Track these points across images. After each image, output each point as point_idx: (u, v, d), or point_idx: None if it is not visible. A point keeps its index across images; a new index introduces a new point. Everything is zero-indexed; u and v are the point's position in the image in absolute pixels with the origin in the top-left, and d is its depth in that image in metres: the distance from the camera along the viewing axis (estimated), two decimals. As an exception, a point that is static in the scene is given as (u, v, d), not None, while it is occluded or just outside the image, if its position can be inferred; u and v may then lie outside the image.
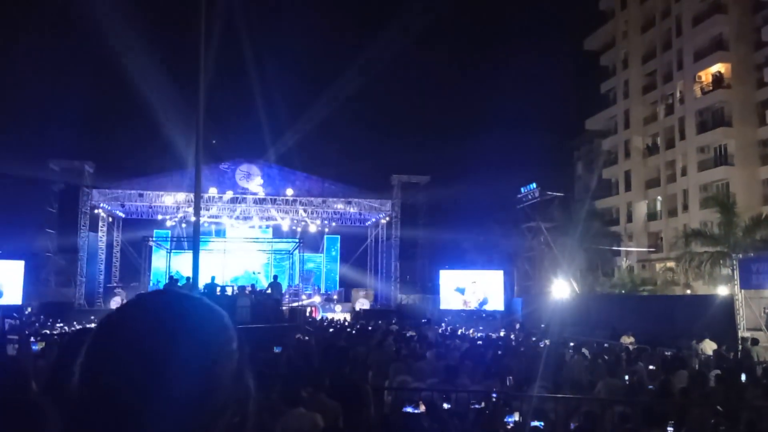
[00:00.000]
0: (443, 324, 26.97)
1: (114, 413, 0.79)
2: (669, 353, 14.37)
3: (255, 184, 36.67)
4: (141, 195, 35.32)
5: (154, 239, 34.04)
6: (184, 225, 36.89)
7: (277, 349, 10.83)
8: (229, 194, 35.75)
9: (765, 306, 24.99)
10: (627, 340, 17.83)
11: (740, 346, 16.26)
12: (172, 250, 33.06)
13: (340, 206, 37.47)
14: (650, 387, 9.79)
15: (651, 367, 11.97)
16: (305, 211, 37.68)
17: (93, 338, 0.86)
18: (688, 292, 30.88)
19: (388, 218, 38.60)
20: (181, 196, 34.83)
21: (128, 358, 0.81)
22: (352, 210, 38.19)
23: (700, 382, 9.34)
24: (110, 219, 37.82)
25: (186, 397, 0.81)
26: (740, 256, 21.26)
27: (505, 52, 74.20)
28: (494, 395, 8.02)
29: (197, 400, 0.82)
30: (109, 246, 38.08)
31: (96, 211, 36.03)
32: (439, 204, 42.27)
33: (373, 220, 40.15)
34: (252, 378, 0.97)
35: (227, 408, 0.87)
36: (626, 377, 9.91)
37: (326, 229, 40.14)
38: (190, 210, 32.56)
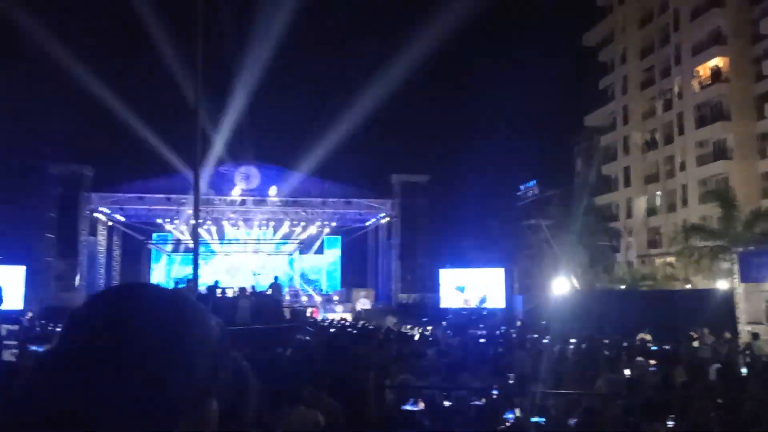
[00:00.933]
0: (443, 323, 27.00)
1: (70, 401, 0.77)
2: (669, 347, 14.41)
3: (254, 185, 36.70)
4: (140, 198, 35.36)
5: (153, 242, 34.06)
6: (183, 228, 36.93)
7: (279, 350, 10.86)
8: (230, 196, 35.79)
9: (766, 299, 25.03)
10: (641, 336, 17.59)
11: (740, 340, 16.31)
12: (172, 253, 33.10)
13: (340, 207, 37.51)
14: (651, 381, 9.83)
15: (652, 361, 12.00)
16: (305, 211, 37.72)
17: (60, 334, 0.85)
18: (688, 286, 30.90)
19: (388, 218, 38.65)
20: (180, 199, 34.86)
21: (89, 352, 0.80)
22: (352, 210, 38.23)
23: (700, 376, 9.36)
24: (110, 223, 37.86)
25: (149, 384, 0.79)
26: (740, 249, 21.29)
27: (504, 49, 74.27)
28: (495, 392, 8.05)
29: (163, 388, 0.80)
30: (109, 250, 38.11)
31: (95, 215, 36.06)
32: (439, 203, 42.29)
33: (373, 220, 40.19)
34: (248, 369, 0.95)
35: (204, 397, 0.85)
36: (627, 372, 9.93)
37: (326, 230, 40.16)
38: (190, 212, 32.59)
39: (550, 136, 56.40)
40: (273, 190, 35.78)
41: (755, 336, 15.33)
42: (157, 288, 0.91)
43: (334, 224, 39.52)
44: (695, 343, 15.53)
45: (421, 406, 5.27)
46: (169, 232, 37.28)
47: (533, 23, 71.73)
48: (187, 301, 0.90)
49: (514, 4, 70.41)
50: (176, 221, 37.16)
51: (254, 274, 34.84)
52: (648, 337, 17.50)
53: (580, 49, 53.46)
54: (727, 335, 15.58)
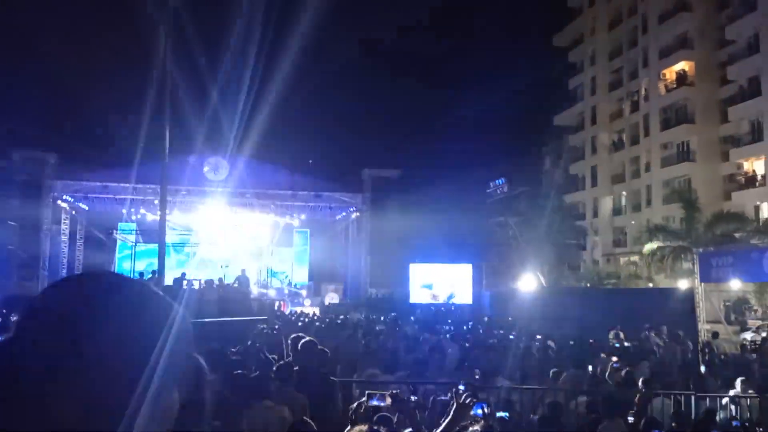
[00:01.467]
0: (412, 318, 27.09)
1: (30, 392, 0.76)
2: (631, 345, 14.68)
3: (222, 176, 36.30)
4: (106, 187, 34.69)
5: (118, 232, 33.49)
6: (149, 218, 36.36)
7: (246, 344, 10.78)
8: (197, 187, 35.34)
9: (724, 299, 25.67)
10: (619, 334, 17.38)
11: (700, 339, 16.70)
12: (138, 244, 32.61)
13: (309, 200, 37.32)
14: (614, 378, 10.00)
15: (614, 358, 12.21)
16: (274, 204, 37.45)
17: (16, 323, 0.83)
18: (651, 285, 31.52)
19: (358, 213, 38.61)
20: (147, 189, 34.29)
21: (44, 339, 0.78)
22: (322, 204, 38.07)
23: (661, 373, 9.56)
24: (74, 212, 37.09)
25: (105, 371, 0.78)
26: (701, 250, 21.79)
27: (475, 47, 74.70)
28: (461, 387, 8.10)
29: (120, 377, 0.79)
30: (73, 239, 37.34)
31: (59, 203, 35.30)
32: (410, 198, 42.30)
33: (344, 214, 40.10)
34: (202, 358, 0.95)
35: (166, 389, 0.84)
36: (590, 368, 10.09)
37: (295, 223, 39.92)
38: (156, 203, 32.09)
39: (520, 134, 56.91)
40: (258, 184, 35.54)
41: (715, 335, 15.71)
42: (119, 276, 0.89)
43: (303, 217, 39.30)
44: (657, 341, 15.85)
45: (388, 401, 5.28)
46: (135, 222, 36.68)
47: (505, 23, 72.30)
48: (150, 291, 0.89)
49: (487, 4, 70.88)
50: (142, 211, 36.55)
51: (221, 267, 34.54)
52: (621, 334, 17.70)
53: (550, 50, 54.06)
54: (680, 333, 15.93)
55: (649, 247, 26.60)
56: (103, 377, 0.77)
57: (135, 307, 0.84)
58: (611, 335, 17.41)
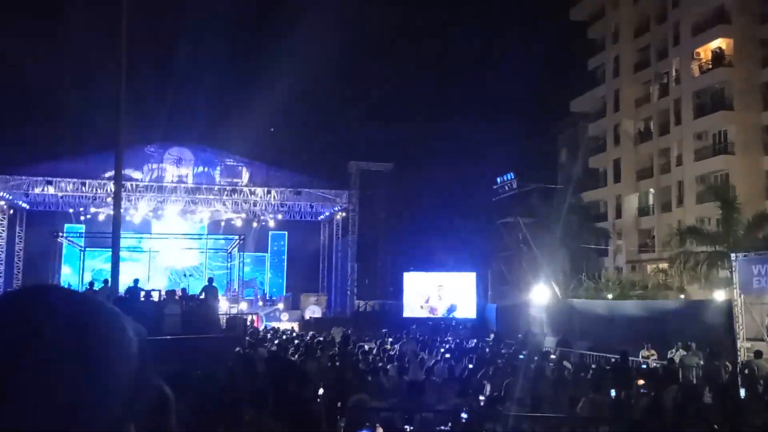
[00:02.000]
0: (406, 334, 27.13)
1: None
2: (659, 365, 14.75)
3: (186, 170, 36.22)
4: (50, 182, 34.55)
5: (64, 235, 33.34)
6: (102, 218, 36.24)
7: (214, 365, 10.78)
8: (157, 182, 35.24)
9: (767, 313, 25.81)
10: (646, 353, 17.68)
11: (740, 358, 16.79)
12: (88, 249, 32.51)
13: (287, 197, 37.29)
14: (640, 403, 10.05)
15: (640, 381, 12.28)
16: (246, 202, 37.41)
17: None
18: (682, 297, 31.68)
19: (344, 212, 38.61)
20: (98, 184, 34.18)
21: None
22: (301, 202, 38.05)
23: (694, 398, 9.61)
24: (11, 211, 36.89)
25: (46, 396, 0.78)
26: (740, 256, 21.92)
27: (481, 22, 74.83)
28: (464, 415, 8.13)
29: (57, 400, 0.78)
30: (11, 242, 37.15)
31: (-6, 201, 35.14)
32: (404, 196, 42.46)
33: (327, 213, 40.10)
34: (167, 390, 0.94)
35: (121, 421, 0.83)
36: (612, 393, 10.14)
37: (271, 224, 39.90)
38: (109, 200, 31.98)
39: (532, 122, 57.05)
40: (228, 179, 35.45)
41: (757, 354, 15.80)
42: (65, 291, 0.89)
43: (280, 217, 39.30)
44: (683, 357, 15.92)
45: (379, 431, 5.28)
46: (84, 223, 36.55)
47: (515, -7, 72.47)
48: (101, 307, 0.88)
49: (494, -30, 71.07)
50: (93, 210, 36.42)
51: (185, 276, 34.44)
52: (651, 353, 17.61)
53: (567, 25, 54.18)
54: (716, 352, 16.01)
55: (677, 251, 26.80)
56: (48, 408, 0.77)
57: (86, 327, 0.84)
58: (642, 354, 17.37)
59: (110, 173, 27.67)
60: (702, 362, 15.67)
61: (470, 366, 14.34)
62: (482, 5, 72.79)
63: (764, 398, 10.75)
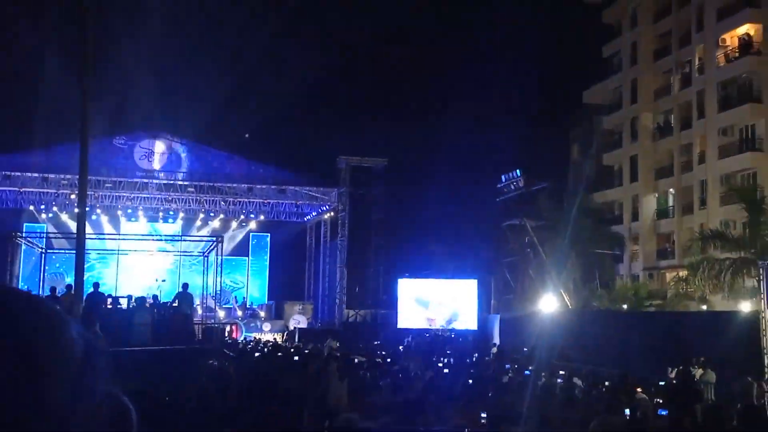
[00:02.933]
0: (400, 348, 27.17)
1: None
2: (679, 383, 14.77)
3: (159, 165, 36.14)
4: (7, 177, 34.44)
5: (23, 235, 33.20)
6: (64, 217, 36.11)
7: (188, 380, 10.75)
8: (126, 178, 35.14)
9: (797, 326, 25.90)
10: (699, 372, 17.06)
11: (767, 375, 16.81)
12: (48, 251, 32.37)
13: (270, 195, 37.24)
14: (658, 425, 10.06)
15: (658, 400, 12.29)
16: (225, 201, 37.33)
17: None
18: (704, 307, 31.76)
19: (332, 212, 38.58)
20: (61, 180, 34.07)
21: None
22: (286, 200, 38.00)
23: (717, 420, 9.60)
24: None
25: None
26: (769, 263, 22.00)
27: (486, 5, 74.81)
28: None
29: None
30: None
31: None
32: (399, 194, 42.47)
33: (314, 214, 40.09)
34: (128, 405, 0.93)
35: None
36: (627, 412, 10.13)
37: (252, 225, 39.85)
38: (74, 197, 31.88)
39: (540, 115, 57.11)
40: (205, 175, 35.43)
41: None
42: (5, 291, 0.89)
43: (262, 218, 39.24)
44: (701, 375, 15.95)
45: (370, 454, 5.25)
46: (45, 222, 36.43)
47: (523, -29, 72.50)
48: (35, 305, 0.87)
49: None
50: (54, 208, 36.31)
51: (157, 281, 34.34)
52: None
53: (579, 7, 54.26)
54: (741, 369, 16.02)
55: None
56: None
57: (16, 330, 0.82)
58: (673, 373, 16.97)
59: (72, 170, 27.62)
60: (726, 379, 15.69)
61: (471, 382, 14.33)
62: (487, -15, 72.84)
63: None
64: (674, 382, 14.93)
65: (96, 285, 21.63)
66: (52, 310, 0.88)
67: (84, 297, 19.38)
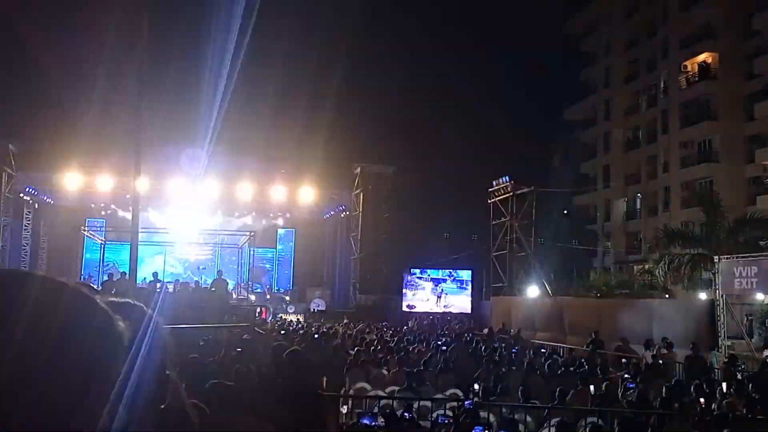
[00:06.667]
0: (404, 328, 27.14)
1: None
2: (646, 361, 14.72)
3: (201, 169, 36.15)
4: (73, 179, 34.45)
5: (86, 228, 33.36)
6: (120, 214, 36.18)
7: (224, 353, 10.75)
8: (174, 179, 35.17)
9: (747, 312, 25.73)
10: (662, 351, 16.20)
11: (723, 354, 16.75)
12: (108, 242, 32.53)
13: (295, 196, 37.19)
14: (627, 397, 10.02)
15: (626, 375, 12.24)
16: (255, 201, 37.30)
17: None
18: (667, 296, 31.61)
19: (348, 211, 38.57)
20: (118, 181, 34.10)
21: None
22: (309, 201, 37.97)
23: (678, 392, 9.57)
24: (36, 205, 36.86)
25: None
26: (723, 258, 21.87)
27: (479, 34, 74.74)
28: (467, 403, 8.10)
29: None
30: (35, 235, 37.11)
31: (21, 195, 35.08)
32: (405, 197, 42.40)
33: (332, 213, 40.05)
34: (178, 369, 0.92)
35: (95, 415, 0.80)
36: (602, 386, 10.09)
37: (280, 221, 39.86)
38: (129, 197, 31.93)
39: (527, 129, 57.05)
40: (239, 178, 35.40)
41: (732, 358, 15.77)
42: (45, 280, 0.85)
43: (288, 215, 39.22)
44: (674, 356, 15.89)
45: (380, 421, 5.23)
46: (104, 218, 36.50)
47: (512, 9, 72.42)
48: (84, 299, 0.85)
49: (494, -14, 70.96)
50: (113, 206, 36.37)
51: (198, 269, 34.44)
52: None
53: (561, 38, 54.18)
54: (700, 349, 15.96)
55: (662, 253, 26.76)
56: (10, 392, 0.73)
57: (62, 317, 0.80)
58: (651, 350, 16.69)
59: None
60: (686, 358, 15.62)
61: (466, 358, 14.29)
62: (481, 19, 72.75)
63: (745, 391, 10.68)
64: (643, 359, 14.85)
65: (155, 274, 21.98)
66: (99, 307, 0.86)
67: (143, 282, 19.55)
